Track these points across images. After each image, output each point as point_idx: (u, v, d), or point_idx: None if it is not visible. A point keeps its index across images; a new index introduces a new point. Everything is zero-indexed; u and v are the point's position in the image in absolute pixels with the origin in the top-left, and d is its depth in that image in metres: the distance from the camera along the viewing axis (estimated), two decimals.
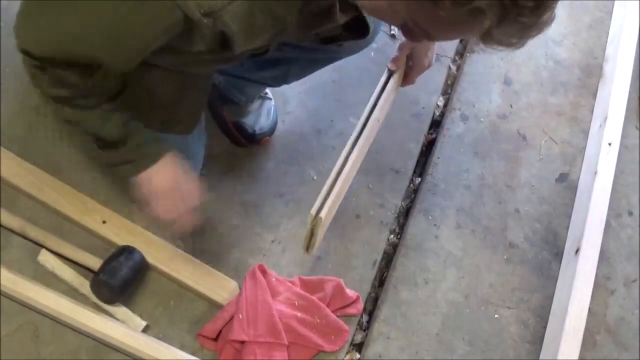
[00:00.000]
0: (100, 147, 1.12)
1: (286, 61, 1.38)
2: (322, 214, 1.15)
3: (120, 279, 1.27)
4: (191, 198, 1.19)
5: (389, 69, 1.26)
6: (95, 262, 1.31)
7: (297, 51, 1.33)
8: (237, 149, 1.54)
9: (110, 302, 1.29)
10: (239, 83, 1.47)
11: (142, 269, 1.34)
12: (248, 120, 1.52)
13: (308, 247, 1.22)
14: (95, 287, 1.28)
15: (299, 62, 1.39)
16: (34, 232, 1.33)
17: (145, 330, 1.29)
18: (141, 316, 1.31)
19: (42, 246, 1.33)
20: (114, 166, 1.16)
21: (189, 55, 1.03)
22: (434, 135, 1.69)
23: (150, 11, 0.89)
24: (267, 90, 1.57)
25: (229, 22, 0.92)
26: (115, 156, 1.13)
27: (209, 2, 0.89)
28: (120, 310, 1.30)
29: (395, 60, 1.26)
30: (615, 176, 1.59)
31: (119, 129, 1.11)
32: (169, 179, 1.15)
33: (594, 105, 1.79)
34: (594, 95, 1.81)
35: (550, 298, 1.50)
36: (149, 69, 1.11)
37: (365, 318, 1.43)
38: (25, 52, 1.02)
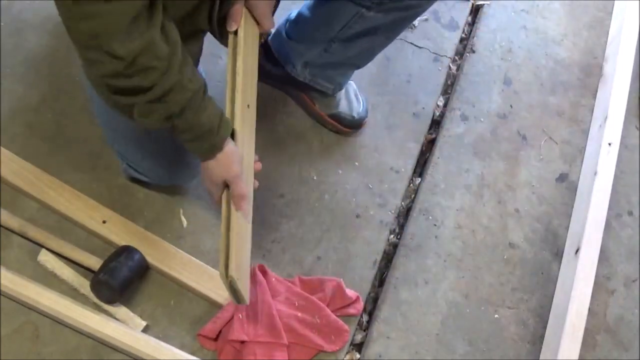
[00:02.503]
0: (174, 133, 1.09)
1: (371, 31, 1.35)
2: (232, 272, 1.11)
3: (120, 279, 1.27)
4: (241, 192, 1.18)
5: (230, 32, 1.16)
6: (95, 262, 1.31)
7: (380, 15, 1.29)
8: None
9: (110, 302, 1.29)
10: (326, 72, 1.48)
11: (142, 269, 1.34)
12: (342, 109, 1.56)
13: (239, 300, 1.18)
14: (95, 287, 1.28)
15: (383, 29, 1.35)
16: (34, 232, 1.33)
17: (145, 330, 1.30)
18: (141, 316, 1.31)
19: (42, 246, 1.33)
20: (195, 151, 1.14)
21: None
22: (434, 135, 1.69)
23: None
24: None
25: None
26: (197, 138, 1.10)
27: None
28: (120, 310, 1.30)
29: (234, 18, 1.15)
30: (615, 176, 1.59)
31: (192, 116, 1.06)
32: (234, 160, 1.15)
33: (594, 105, 1.79)
34: (594, 95, 1.81)
35: (550, 298, 1.50)
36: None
37: (365, 318, 1.43)
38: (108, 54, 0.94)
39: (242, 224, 1.18)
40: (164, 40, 0.97)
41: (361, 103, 1.60)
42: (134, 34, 0.92)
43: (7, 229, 1.34)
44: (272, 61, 1.52)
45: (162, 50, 0.96)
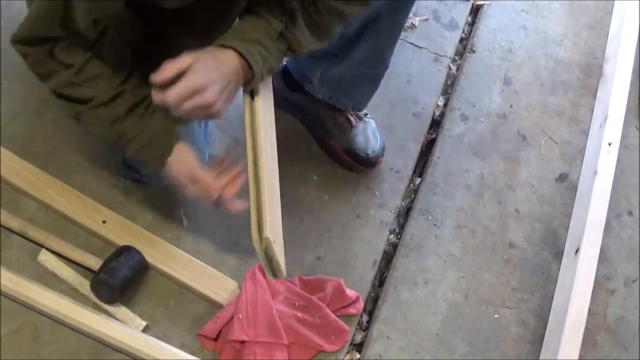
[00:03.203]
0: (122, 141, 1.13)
1: (372, 22, 1.33)
2: (267, 233, 1.05)
3: (120, 279, 1.27)
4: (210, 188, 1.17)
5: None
6: (95, 262, 1.31)
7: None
8: (237, 148, 1.54)
9: (110, 302, 1.29)
10: (343, 86, 1.47)
11: (142, 269, 1.34)
12: (358, 145, 1.53)
13: (274, 273, 1.14)
14: (95, 287, 1.28)
15: (384, 14, 1.33)
16: (34, 232, 1.33)
17: (145, 330, 1.29)
18: (141, 316, 1.31)
19: (42, 246, 1.33)
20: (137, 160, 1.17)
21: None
22: (434, 135, 1.69)
23: None
24: (366, 111, 1.56)
25: None
26: (136, 150, 1.14)
27: None
28: (120, 310, 1.30)
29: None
30: (615, 176, 1.59)
31: (138, 116, 1.11)
32: (184, 172, 1.16)
33: (594, 105, 1.79)
34: (594, 95, 1.81)
35: (550, 298, 1.50)
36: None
37: (365, 318, 1.43)
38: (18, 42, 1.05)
39: (273, 186, 1.13)
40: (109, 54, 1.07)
41: (378, 141, 1.56)
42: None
43: (7, 228, 1.34)
44: (291, 86, 1.52)
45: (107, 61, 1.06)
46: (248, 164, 1.14)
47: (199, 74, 1.05)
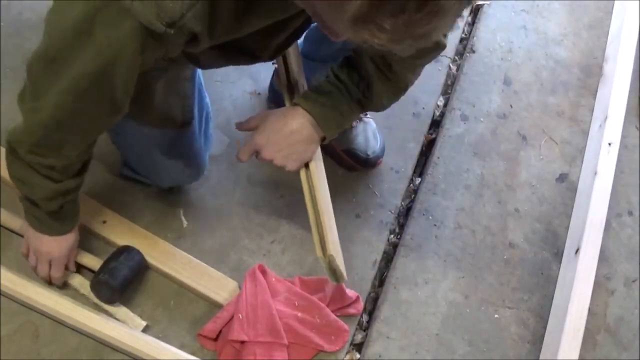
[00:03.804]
0: (26, 199, 1.17)
1: None
2: (331, 250, 1.21)
3: (120, 279, 1.27)
4: (59, 272, 1.28)
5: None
6: (95, 262, 1.31)
7: None
8: (237, 149, 1.54)
9: (110, 302, 1.29)
10: None
11: (142, 269, 1.34)
12: (358, 146, 1.53)
13: (338, 279, 1.28)
14: (95, 287, 1.28)
15: None
16: None
17: (145, 330, 1.30)
18: (141, 316, 1.31)
19: None
20: (25, 211, 1.21)
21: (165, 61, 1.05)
22: (434, 135, 1.69)
23: (114, 42, 0.85)
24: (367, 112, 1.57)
25: (194, 27, 0.86)
26: (34, 211, 1.18)
27: (166, 10, 0.82)
28: (120, 310, 1.30)
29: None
30: (615, 176, 1.59)
31: (58, 205, 1.16)
32: (54, 249, 1.24)
33: (594, 105, 1.79)
34: (594, 95, 1.81)
35: (550, 298, 1.50)
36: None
37: (365, 318, 1.43)
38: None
39: (326, 200, 1.28)
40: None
41: (378, 142, 1.55)
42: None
43: (7, 228, 1.34)
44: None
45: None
46: (304, 187, 1.28)
47: (261, 136, 1.22)
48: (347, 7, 0.69)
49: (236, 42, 1.00)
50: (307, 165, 1.28)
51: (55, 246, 1.24)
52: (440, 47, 1.17)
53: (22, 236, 1.33)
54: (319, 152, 1.29)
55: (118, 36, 0.84)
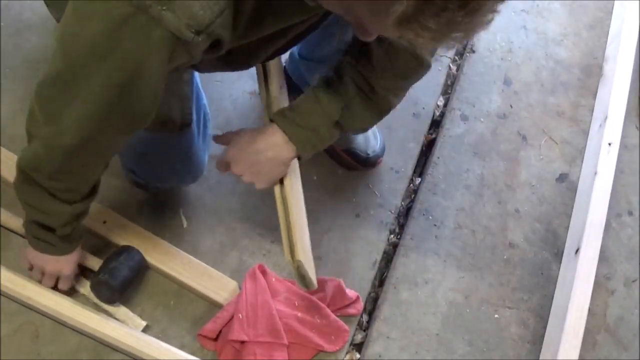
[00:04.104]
0: (38, 224, 1.15)
1: None
2: (299, 256, 1.19)
3: (120, 279, 1.27)
4: (67, 286, 1.29)
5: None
6: (95, 263, 1.31)
7: None
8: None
9: (110, 302, 1.29)
10: None
11: (142, 269, 1.34)
12: (358, 145, 1.52)
13: (307, 285, 1.25)
14: (95, 287, 1.28)
15: None
16: None
17: (145, 330, 1.30)
18: (141, 316, 1.31)
19: None
20: (33, 236, 1.18)
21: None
22: (434, 135, 1.69)
23: (142, 54, 0.83)
24: None
25: (221, 33, 0.85)
26: (45, 235, 1.17)
27: (196, 18, 0.80)
28: (120, 310, 1.30)
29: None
30: (615, 176, 1.59)
31: (70, 229, 1.15)
32: (64, 267, 1.24)
33: (594, 105, 1.79)
34: (594, 95, 1.81)
35: (550, 298, 1.50)
36: None
37: (365, 318, 1.43)
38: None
39: (299, 212, 1.26)
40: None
41: (378, 141, 1.55)
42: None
43: (7, 228, 1.34)
44: (289, 88, 1.51)
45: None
46: (277, 201, 1.26)
47: (231, 151, 1.21)
48: (393, 9, 0.69)
49: (241, 47, 0.99)
50: (281, 181, 1.26)
51: (64, 263, 1.24)
52: (424, 66, 1.16)
53: (22, 236, 1.33)
54: (295, 166, 1.27)
55: (147, 46, 0.81)
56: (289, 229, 1.23)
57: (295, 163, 1.26)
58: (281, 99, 1.31)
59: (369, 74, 1.14)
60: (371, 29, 0.81)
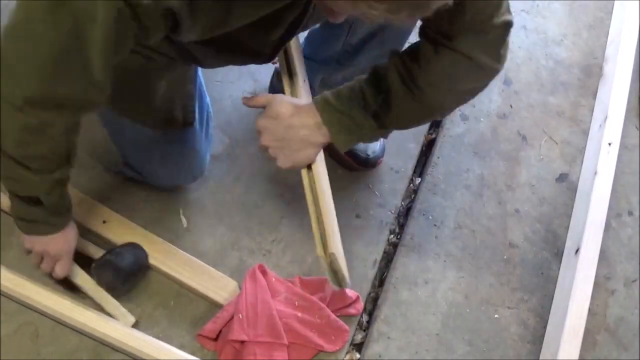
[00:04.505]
0: (24, 200, 1.11)
1: (379, 29, 1.31)
2: (333, 249, 1.16)
3: (126, 263, 1.27)
4: (64, 272, 1.26)
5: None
6: (95, 250, 1.32)
7: None
8: (237, 149, 1.54)
9: (110, 286, 1.28)
10: None
11: (144, 267, 1.34)
12: (358, 146, 1.50)
13: (340, 283, 1.23)
14: (100, 267, 1.27)
15: (389, 30, 1.31)
16: None
17: (144, 330, 1.29)
18: (141, 316, 1.31)
19: None
20: (20, 218, 1.16)
21: (152, 53, 1.04)
22: (433, 135, 1.69)
23: (89, 8, 0.83)
24: None
25: (171, 3, 0.83)
26: (33, 212, 1.14)
27: None
28: (111, 303, 1.28)
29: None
30: (615, 176, 1.59)
31: (57, 197, 1.13)
32: (62, 247, 1.22)
33: (594, 105, 1.79)
34: (594, 95, 1.81)
35: (550, 298, 1.50)
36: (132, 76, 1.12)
37: (365, 318, 1.43)
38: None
39: (329, 201, 1.22)
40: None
41: (378, 142, 1.55)
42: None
43: (8, 213, 1.31)
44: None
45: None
46: (305, 187, 1.24)
47: (264, 120, 1.18)
48: None
49: (231, 38, 0.99)
50: (309, 167, 1.24)
51: (63, 242, 1.21)
52: (484, 68, 1.09)
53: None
54: (322, 157, 1.25)
55: (94, 4, 0.82)
56: (319, 219, 1.19)
57: (322, 154, 1.24)
58: (305, 89, 1.28)
59: (415, 70, 1.11)
60: (335, 8, 0.82)
